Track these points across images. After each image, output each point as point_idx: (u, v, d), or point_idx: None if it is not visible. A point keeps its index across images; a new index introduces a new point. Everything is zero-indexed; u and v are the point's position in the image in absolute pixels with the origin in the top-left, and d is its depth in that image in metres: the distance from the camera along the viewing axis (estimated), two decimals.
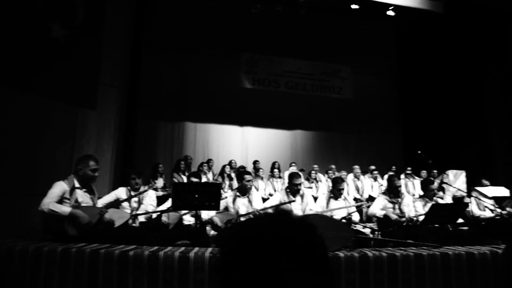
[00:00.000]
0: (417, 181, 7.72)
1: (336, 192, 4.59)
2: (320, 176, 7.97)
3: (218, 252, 0.75)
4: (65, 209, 3.09)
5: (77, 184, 3.33)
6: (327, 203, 4.58)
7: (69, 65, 5.17)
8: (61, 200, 3.18)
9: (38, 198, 3.18)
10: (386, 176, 7.11)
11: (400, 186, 4.63)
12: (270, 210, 4.16)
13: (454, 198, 6.95)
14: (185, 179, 6.77)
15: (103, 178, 5.63)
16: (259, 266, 0.66)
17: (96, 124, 6.01)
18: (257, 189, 6.93)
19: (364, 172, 8.00)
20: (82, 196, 3.35)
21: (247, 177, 4.43)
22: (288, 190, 4.42)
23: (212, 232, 4.14)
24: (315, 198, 4.84)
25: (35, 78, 4.65)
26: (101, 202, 3.82)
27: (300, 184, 4.37)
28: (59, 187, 3.20)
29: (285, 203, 4.26)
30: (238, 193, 4.43)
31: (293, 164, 8.26)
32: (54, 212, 3.03)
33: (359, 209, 4.98)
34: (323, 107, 10.02)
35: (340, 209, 4.47)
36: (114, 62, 6.36)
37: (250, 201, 4.36)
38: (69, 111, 5.55)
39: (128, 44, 7.27)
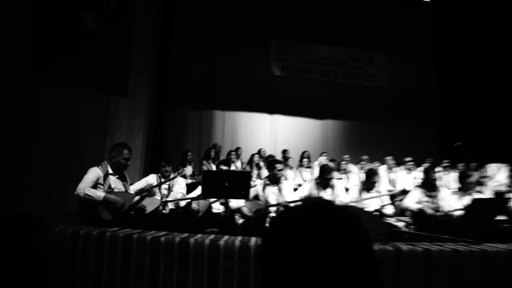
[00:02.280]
0: (454, 174, 7.46)
1: (369, 184, 4.54)
2: (351, 166, 7.85)
3: (260, 241, 0.75)
4: (100, 193, 3.22)
5: (110, 171, 3.46)
6: (359, 195, 4.53)
7: (101, 53, 5.33)
8: (95, 186, 3.32)
9: (71, 184, 3.33)
10: (421, 168, 6.91)
11: (436, 179, 4.51)
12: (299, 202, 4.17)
13: (496, 192, 6.67)
14: (214, 167, 6.86)
15: (134, 164, 5.80)
16: (302, 257, 0.66)
17: (127, 111, 6.18)
18: (286, 179, 6.92)
19: (398, 164, 7.80)
20: (115, 182, 3.48)
21: (279, 166, 4.45)
22: (318, 182, 4.41)
23: (241, 221, 4.19)
24: (346, 190, 4.82)
25: (69, 65, 4.82)
26: (132, 189, 3.94)
27: (331, 179, 4.36)
28: (94, 173, 3.34)
29: (314, 196, 4.25)
30: (268, 182, 4.45)
31: (324, 154, 8.17)
32: (89, 196, 3.17)
33: (392, 202, 4.88)
34: (356, 95, 9.81)
35: (372, 200, 4.41)
36: (144, 51, 6.50)
37: (280, 190, 4.38)
38: (101, 99, 5.74)
39: (157, 33, 7.39)
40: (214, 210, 4.39)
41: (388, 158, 7.88)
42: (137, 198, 3.69)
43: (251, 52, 9.44)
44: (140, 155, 6.16)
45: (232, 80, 9.30)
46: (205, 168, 6.86)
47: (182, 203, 4.25)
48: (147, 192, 3.77)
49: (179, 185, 4.39)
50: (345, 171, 7.54)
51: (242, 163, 7.78)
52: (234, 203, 4.23)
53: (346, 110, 9.91)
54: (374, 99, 9.88)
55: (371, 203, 4.43)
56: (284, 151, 8.24)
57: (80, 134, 5.23)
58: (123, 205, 3.30)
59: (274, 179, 4.45)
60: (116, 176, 3.51)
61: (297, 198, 4.24)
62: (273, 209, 4.25)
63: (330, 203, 0.76)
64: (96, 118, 5.67)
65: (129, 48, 6.06)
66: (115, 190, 3.42)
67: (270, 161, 4.86)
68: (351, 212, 0.73)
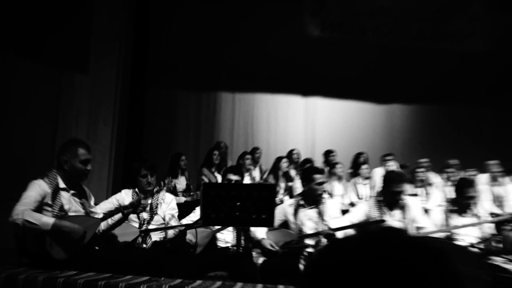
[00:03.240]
0: None
1: (462, 202, 4.45)
2: (432, 176, 7.72)
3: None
4: (47, 220, 3.22)
5: (62, 184, 3.46)
6: (446, 220, 4.45)
7: (47, 10, 5.37)
8: (40, 207, 3.32)
9: (4, 205, 3.34)
10: None
11: None
12: (352, 231, 4.11)
13: None
14: (219, 178, 6.84)
15: (99, 174, 5.83)
16: None
17: (88, 96, 6.22)
18: (331, 196, 6.85)
19: (507, 172, 7.62)
20: (70, 201, 3.48)
21: (318, 177, 4.38)
22: (381, 199, 4.36)
23: (261, 260, 4.15)
24: (425, 211, 4.73)
25: None
26: (97, 211, 3.94)
27: (401, 192, 4.30)
28: (37, 189, 3.34)
29: (374, 221, 4.21)
30: (302, 202, 4.41)
31: (389, 158, 8.07)
32: (31, 224, 3.17)
33: (499, 231, 4.76)
34: (438, 65, 9.63)
35: (468, 229, 4.33)
36: (112, 8, 6.53)
37: (320, 214, 4.33)
38: (48, 77, 5.79)
39: None
40: (220, 244, 4.36)
41: (492, 162, 7.72)
42: (106, 223, 3.69)
43: (275, 5, 9.40)
44: (108, 160, 6.19)
45: (245, 48, 9.30)
46: (205, 179, 6.86)
47: (172, 233, 4.23)
48: (126, 210, 3.76)
49: (167, 205, 4.39)
50: (423, 183, 7.41)
51: (262, 172, 7.76)
52: (252, 232, 4.19)
53: (422, 89, 9.75)
54: (467, 71, 9.67)
55: (466, 232, 4.34)
56: (328, 153, 8.18)
57: (18, 129, 5.28)
58: (83, 236, 3.30)
59: (311, 197, 4.40)
60: (72, 191, 3.52)
61: (348, 225, 4.19)
62: (310, 242, 4.20)
63: (400, 233, 0.77)
64: (42, 104, 5.72)
65: (90, 7, 6.12)
66: (71, 214, 3.42)
67: (306, 170, 4.78)
68: (435, 248, 0.73)
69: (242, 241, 4.17)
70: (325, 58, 9.49)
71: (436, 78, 9.67)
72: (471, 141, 9.39)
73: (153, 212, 4.31)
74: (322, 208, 4.36)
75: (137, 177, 4.35)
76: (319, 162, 8.04)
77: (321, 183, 4.39)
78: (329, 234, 4.08)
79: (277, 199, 6.62)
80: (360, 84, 9.64)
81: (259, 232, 4.20)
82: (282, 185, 7.20)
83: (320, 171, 4.57)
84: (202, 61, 9.21)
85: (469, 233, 4.37)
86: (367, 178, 7.57)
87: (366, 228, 4.07)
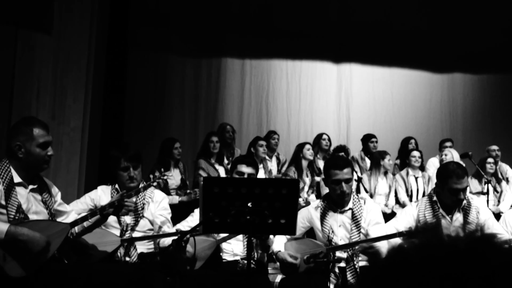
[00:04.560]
0: None
1: None
2: (506, 168, 7.69)
3: None
4: (0, 226, 3.23)
5: (17, 178, 3.46)
6: None
7: None
8: None
9: None
10: None
11: None
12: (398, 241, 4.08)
13: None
14: (222, 173, 6.84)
15: (67, 166, 5.84)
16: None
17: (52, 62, 6.22)
18: (372, 194, 6.83)
19: None
20: (29, 200, 3.48)
21: (336, 173, 4.28)
22: (436, 199, 4.34)
23: (279, 278, 4.16)
24: (497, 216, 4.64)
25: None
26: (68, 209, 3.94)
27: (463, 190, 4.25)
28: None
29: (427, 229, 4.14)
30: (330, 203, 4.39)
31: (447, 144, 8.02)
32: None
33: None
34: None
35: None
36: None
37: (356, 220, 4.30)
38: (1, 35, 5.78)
39: None
40: (227, 257, 4.37)
41: None
42: (86, 223, 3.69)
43: None
44: (79, 147, 6.20)
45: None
46: (203, 174, 6.84)
47: (163, 243, 4.23)
48: (105, 211, 3.76)
49: (157, 206, 4.38)
50: (495, 178, 7.37)
51: (281, 163, 7.78)
52: (269, 241, 4.18)
53: (492, 53, 9.67)
54: None
55: None
56: (368, 139, 8.18)
57: None
58: (45, 247, 3.30)
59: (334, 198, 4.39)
60: (31, 187, 3.51)
61: (391, 234, 4.13)
62: (342, 255, 4.18)
63: (492, 239, 0.80)
64: None
65: None
66: (31, 217, 3.42)
67: (326, 161, 4.72)
68: None
69: (255, 254, 4.17)
70: (364, 10, 9.43)
71: (509, 37, 9.59)
72: None
73: (138, 215, 4.29)
74: (358, 212, 4.32)
75: (117, 170, 4.32)
76: (356, 150, 8.03)
77: (339, 181, 4.30)
78: (365, 249, 4.05)
79: (301, 199, 6.62)
80: (409, 47, 9.58)
81: (277, 242, 4.19)
82: (307, 180, 7.19)
83: (340, 164, 4.39)
84: (201, 16, 9.19)
85: None
86: (420, 168, 7.53)
87: (420, 234, 4.02)
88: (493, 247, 0.78)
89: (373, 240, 4.07)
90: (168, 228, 4.34)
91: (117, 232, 4.15)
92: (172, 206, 4.76)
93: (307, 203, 4.56)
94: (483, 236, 0.82)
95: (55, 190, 3.74)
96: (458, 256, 0.77)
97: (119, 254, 4.07)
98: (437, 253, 0.79)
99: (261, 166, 7.14)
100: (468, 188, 6.79)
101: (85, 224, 3.66)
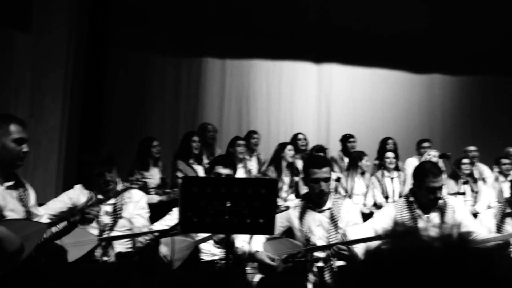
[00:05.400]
0: None
1: None
2: (483, 169, 7.75)
3: None
4: None
5: None
6: (500, 225, 4.48)
7: None
8: None
9: None
10: None
11: None
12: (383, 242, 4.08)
13: None
14: (201, 172, 6.85)
15: (45, 165, 5.81)
16: None
17: (30, 61, 6.18)
18: (350, 194, 6.86)
19: None
20: (4, 197, 3.46)
21: (315, 171, 4.32)
22: (413, 198, 4.37)
23: (258, 278, 4.18)
24: (474, 216, 4.70)
25: None
26: (43, 212, 3.91)
27: (440, 189, 4.28)
28: None
29: (404, 230, 4.15)
30: (309, 202, 4.41)
31: (426, 144, 8.07)
32: None
33: None
34: (497, 21, 9.64)
35: None
36: None
37: (334, 219, 4.32)
38: None
39: None
40: (205, 257, 4.37)
41: None
42: (54, 229, 3.67)
43: None
44: (58, 146, 6.17)
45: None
46: (180, 173, 6.81)
47: (142, 241, 4.21)
48: (73, 218, 3.74)
49: (135, 205, 4.37)
50: (472, 178, 7.43)
51: (261, 163, 7.79)
52: (244, 242, 4.20)
53: (470, 55, 9.75)
54: None
55: None
56: (346, 139, 8.21)
57: None
58: (20, 248, 3.29)
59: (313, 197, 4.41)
60: (6, 184, 3.50)
61: (372, 235, 4.15)
62: (320, 255, 4.20)
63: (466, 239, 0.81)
64: None
65: None
66: (7, 214, 3.41)
67: (305, 160, 4.72)
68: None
69: (234, 254, 4.17)
70: (345, 12, 9.47)
71: (490, 40, 9.68)
72: None
73: (117, 215, 4.29)
74: (336, 212, 4.35)
75: (91, 176, 4.30)
76: (335, 150, 8.05)
77: (318, 180, 4.35)
78: (340, 250, 4.04)
79: (280, 199, 6.64)
80: (390, 47, 9.63)
81: (255, 242, 4.20)
82: (286, 180, 7.20)
83: (319, 163, 4.42)
84: (182, 16, 9.18)
85: None
86: (396, 169, 7.57)
87: (397, 238, 4.04)
88: (470, 251, 0.80)
89: (352, 242, 4.09)
90: (145, 226, 4.31)
91: (95, 232, 4.13)
92: (151, 205, 4.76)
93: (287, 207, 4.55)
94: (460, 239, 0.84)
95: (31, 190, 3.72)
96: (434, 262, 0.78)
97: (96, 253, 4.05)
98: (411, 258, 0.80)
99: (241, 165, 7.14)
100: (445, 189, 6.87)
101: (53, 229, 3.64)
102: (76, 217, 3.63)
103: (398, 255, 0.83)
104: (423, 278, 0.76)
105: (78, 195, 4.30)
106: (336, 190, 6.69)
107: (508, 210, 4.53)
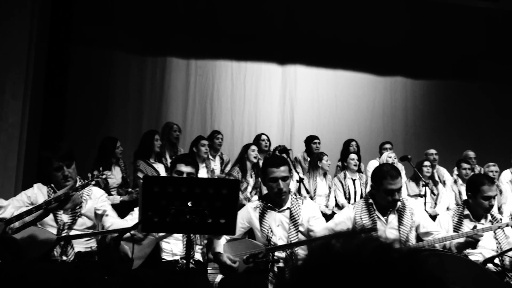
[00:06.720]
0: None
1: (478, 206, 4.53)
2: (443, 172, 7.84)
3: None
4: None
5: None
6: (458, 226, 4.55)
7: None
8: None
9: None
10: None
11: None
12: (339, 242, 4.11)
13: None
14: (162, 171, 6.83)
15: (5, 163, 5.75)
16: None
17: None
18: (312, 195, 6.90)
19: None
20: None
21: (272, 171, 4.33)
22: (372, 200, 4.41)
23: (219, 278, 4.17)
24: (433, 217, 4.71)
25: None
26: (4, 203, 3.89)
27: (398, 191, 4.31)
28: None
29: (366, 230, 4.19)
30: (269, 203, 4.44)
31: (387, 147, 8.16)
32: None
33: None
34: (457, 28, 9.77)
35: (486, 239, 4.39)
36: None
37: (293, 219, 4.34)
38: None
39: None
40: (166, 257, 4.36)
41: None
42: (17, 223, 3.64)
43: None
44: (18, 144, 6.11)
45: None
46: (141, 175, 6.77)
47: (103, 240, 4.19)
48: (51, 206, 3.71)
49: (95, 202, 4.33)
50: (432, 181, 7.51)
51: (224, 163, 7.81)
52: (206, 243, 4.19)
53: (436, 59, 9.86)
54: (492, 36, 9.85)
55: (482, 244, 4.40)
56: (310, 140, 8.24)
57: None
58: None
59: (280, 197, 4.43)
60: None
61: (330, 235, 4.17)
62: (281, 255, 4.23)
63: (394, 246, 0.81)
64: None
65: None
66: None
67: (264, 160, 4.72)
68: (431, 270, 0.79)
69: (195, 253, 4.17)
70: (309, 14, 9.52)
71: (452, 46, 9.82)
72: (497, 128, 9.56)
73: (76, 214, 4.24)
74: (295, 211, 4.37)
75: (50, 171, 4.23)
76: (299, 151, 8.09)
77: (276, 179, 4.35)
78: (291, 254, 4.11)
79: (245, 200, 6.67)
80: (355, 50, 9.71)
81: (218, 242, 4.21)
82: (251, 180, 7.20)
83: (277, 162, 4.40)
84: (148, 14, 9.14)
85: (485, 244, 4.44)
86: (358, 171, 7.62)
87: (352, 238, 4.05)
88: (397, 253, 0.80)
89: (310, 241, 4.12)
90: (111, 215, 4.29)
91: (54, 230, 4.08)
92: (113, 206, 4.71)
93: (248, 198, 4.56)
94: (388, 243, 0.84)
95: None
96: (363, 265, 0.79)
97: (55, 253, 4.01)
98: (343, 261, 0.83)
99: (203, 165, 7.14)
100: (406, 191, 6.93)
101: (28, 218, 3.61)
102: (55, 203, 3.66)
103: (331, 257, 0.86)
104: (353, 281, 0.77)
105: (36, 194, 4.24)
106: (299, 191, 6.71)
107: (466, 212, 4.62)
